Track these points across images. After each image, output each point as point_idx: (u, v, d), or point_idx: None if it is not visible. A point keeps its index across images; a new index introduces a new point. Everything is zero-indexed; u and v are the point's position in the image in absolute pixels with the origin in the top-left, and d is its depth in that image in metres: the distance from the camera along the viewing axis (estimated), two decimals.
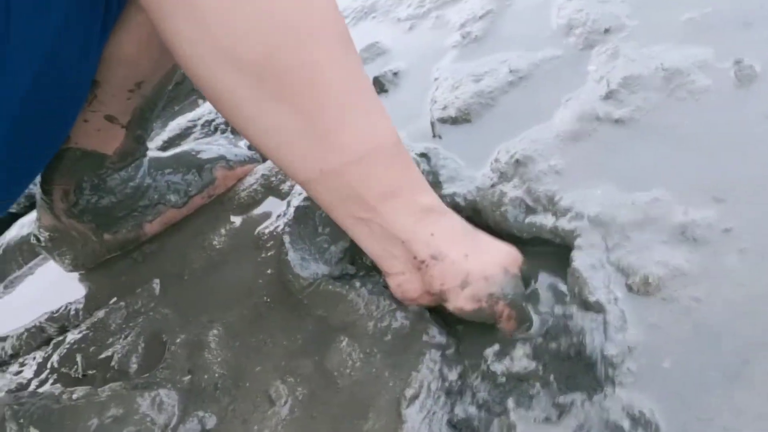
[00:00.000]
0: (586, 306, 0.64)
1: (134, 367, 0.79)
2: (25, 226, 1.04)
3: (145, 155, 0.95)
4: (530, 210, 0.75)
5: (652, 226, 0.68)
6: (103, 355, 0.82)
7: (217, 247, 0.89)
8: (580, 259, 0.68)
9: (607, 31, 0.91)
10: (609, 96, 0.83)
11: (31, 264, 1.02)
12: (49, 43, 0.71)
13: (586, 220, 0.70)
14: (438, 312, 0.72)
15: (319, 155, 0.62)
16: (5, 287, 1.01)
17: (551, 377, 0.63)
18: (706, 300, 0.62)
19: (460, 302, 0.67)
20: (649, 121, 0.79)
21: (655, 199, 0.70)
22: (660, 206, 0.70)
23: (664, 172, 0.73)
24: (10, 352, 0.89)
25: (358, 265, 0.80)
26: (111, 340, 0.83)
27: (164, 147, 1.09)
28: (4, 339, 0.90)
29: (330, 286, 0.77)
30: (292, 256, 0.79)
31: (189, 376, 0.75)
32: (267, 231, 0.87)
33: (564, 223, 0.71)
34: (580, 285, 0.66)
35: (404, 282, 0.70)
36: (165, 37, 0.58)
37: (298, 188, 0.89)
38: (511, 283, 0.66)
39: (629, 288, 0.65)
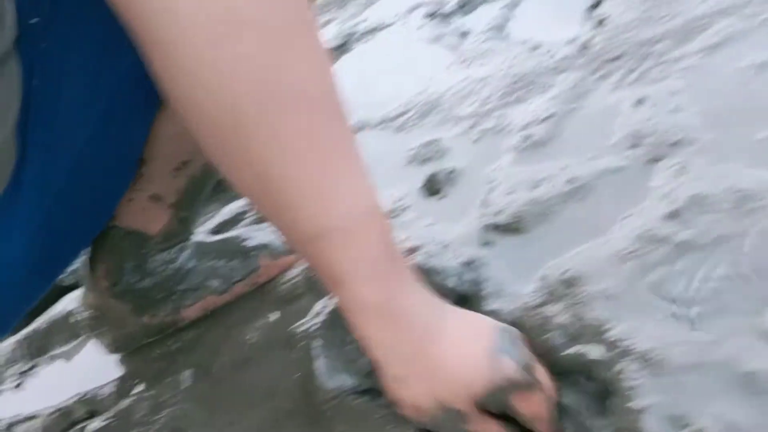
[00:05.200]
0: None
1: None
2: (73, 300, 1.05)
3: (189, 239, 0.95)
4: (574, 339, 0.69)
5: (711, 372, 0.61)
6: None
7: (250, 341, 0.86)
8: (620, 401, 0.61)
9: (675, 144, 0.86)
10: (673, 215, 0.76)
11: (75, 342, 1.03)
12: (98, 117, 0.72)
13: (634, 357, 0.64)
14: None
15: (282, 226, 0.60)
16: (47, 363, 1.02)
17: None
18: None
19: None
20: (717, 246, 0.72)
21: (715, 340, 0.63)
22: (722, 348, 0.62)
23: (731, 307, 0.66)
24: None
25: None
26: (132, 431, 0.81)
27: (216, 231, 1.08)
28: (32, 418, 0.90)
29: (356, 401, 0.72)
30: (320, 364, 0.76)
31: None
32: (299, 330, 0.84)
33: (609, 358, 0.65)
34: (621, 431, 0.59)
35: None
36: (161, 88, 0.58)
37: None
38: (447, 420, 0.60)
39: None
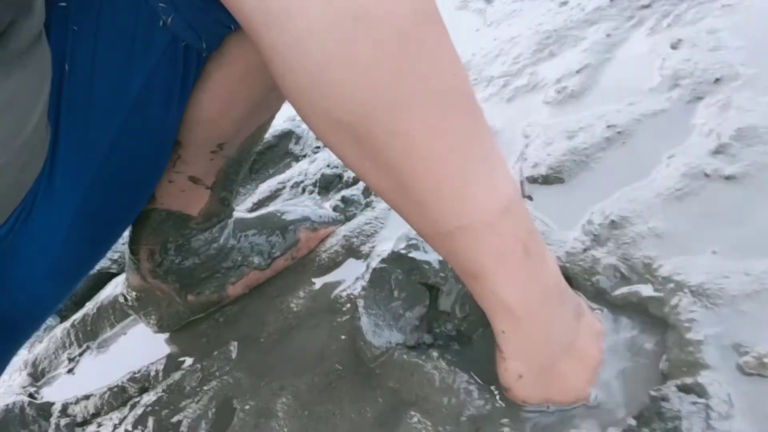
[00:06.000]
0: (686, 388, 0.55)
1: None
2: (119, 285, 1.06)
3: (230, 217, 0.95)
4: (625, 279, 0.67)
5: None
6: (174, 419, 0.80)
7: (295, 310, 0.86)
8: (678, 335, 0.59)
9: (717, 81, 0.83)
10: (719, 150, 0.74)
11: (123, 323, 1.04)
12: (131, 102, 0.72)
13: (688, 290, 0.62)
14: None
15: (416, 220, 0.59)
16: (98, 346, 1.03)
17: None
18: None
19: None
20: (767, 177, 0.70)
21: None
22: None
23: None
24: (92, 411, 0.89)
25: (435, 334, 0.75)
26: (184, 403, 0.82)
27: (254, 208, 1.09)
28: (88, 397, 0.91)
29: (404, 356, 0.71)
30: (365, 322, 0.75)
31: None
32: (344, 294, 0.83)
33: (663, 295, 0.63)
34: (679, 363, 0.58)
35: None
36: (281, 90, 0.57)
37: (377, 250, 0.86)
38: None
39: (740, 369, 0.56)
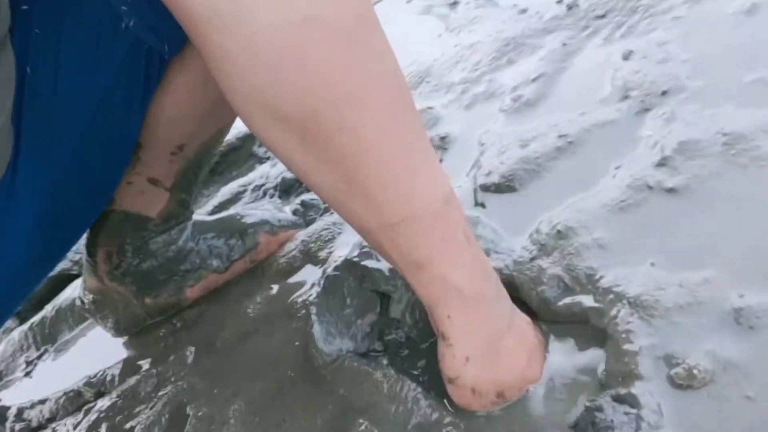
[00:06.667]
0: (619, 398, 0.57)
1: None
2: (78, 287, 1.06)
3: (189, 219, 0.95)
4: (569, 289, 0.69)
5: (702, 311, 0.61)
6: (128, 425, 0.80)
7: (252, 315, 0.87)
8: (615, 346, 0.61)
9: (665, 93, 0.85)
10: (663, 163, 0.76)
11: (81, 326, 1.04)
12: (94, 105, 0.73)
13: (626, 302, 0.64)
14: None
15: (359, 214, 0.60)
16: (56, 349, 1.03)
17: None
18: (761, 399, 0.54)
19: (446, 386, 0.65)
20: (706, 190, 0.72)
21: (706, 279, 0.63)
22: (712, 288, 0.62)
23: (719, 249, 0.66)
24: (47, 416, 0.90)
25: (385, 341, 0.76)
26: (138, 409, 0.82)
27: (215, 211, 1.09)
28: (44, 402, 0.91)
29: (354, 363, 0.73)
30: (317, 330, 0.76)
31: None
32: (300, 300, 0.84)
33: (602, 306, 0.65)
34: (615, 374, 0.60)
35: None
36: (224, 94, 0.58)
37: (334, 256, 0.87)
38: (497, 406, 0.64)
39: (671, 380, 0.58)
